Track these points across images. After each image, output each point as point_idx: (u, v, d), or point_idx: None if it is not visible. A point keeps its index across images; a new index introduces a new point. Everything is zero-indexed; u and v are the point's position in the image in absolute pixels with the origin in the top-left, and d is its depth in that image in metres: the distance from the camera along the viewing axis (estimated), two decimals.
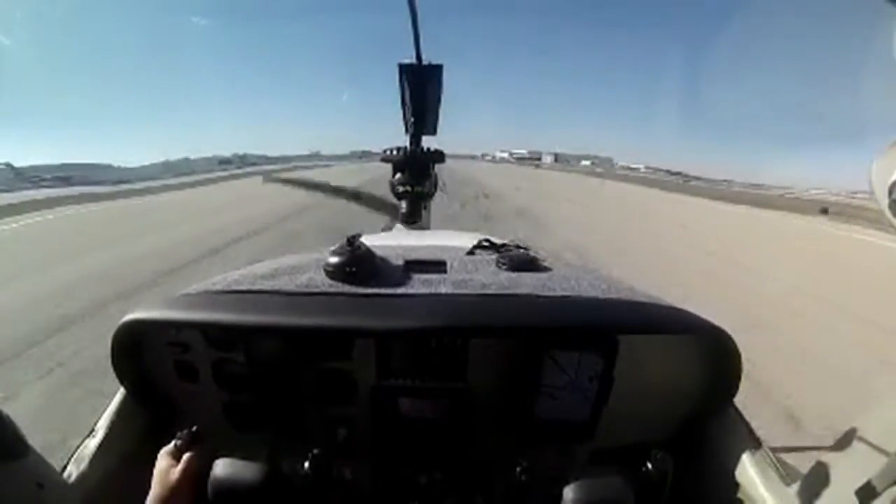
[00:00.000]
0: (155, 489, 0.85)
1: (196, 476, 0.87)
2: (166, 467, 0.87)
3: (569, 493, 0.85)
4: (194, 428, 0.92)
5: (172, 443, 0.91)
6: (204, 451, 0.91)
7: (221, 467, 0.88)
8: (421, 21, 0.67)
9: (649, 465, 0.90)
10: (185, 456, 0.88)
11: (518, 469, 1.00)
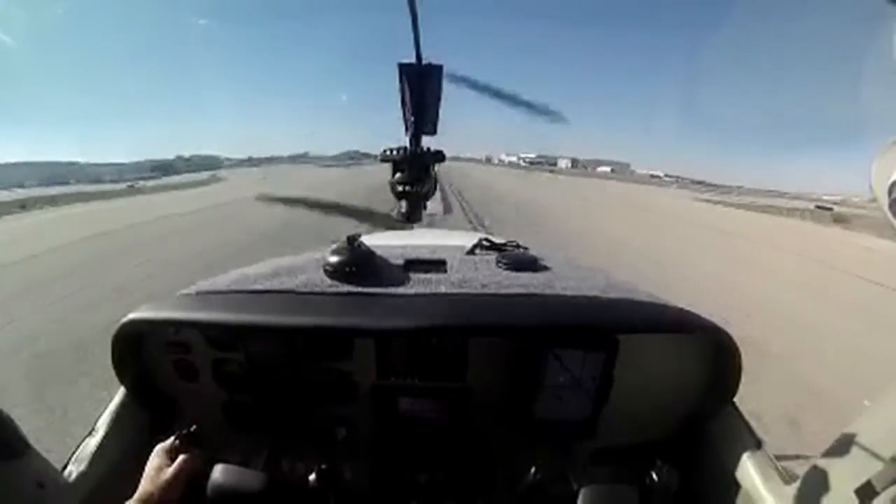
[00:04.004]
0: (145, 485, 0.84)
1: (189, 478, 0.86)
2: (159, 465, 0.86)
3: (574, 500, 0.85)
4: (193, 428, 0.92)
5: (170, 440, 0.90)
6: (200, 453, 0.90)
7: (220, 473, 0.87)
8: (421, 21, 0.67)
9: (654, 477, 0.89)
10: (181, 457, 0.87)
11: (518, 468, 1.00)
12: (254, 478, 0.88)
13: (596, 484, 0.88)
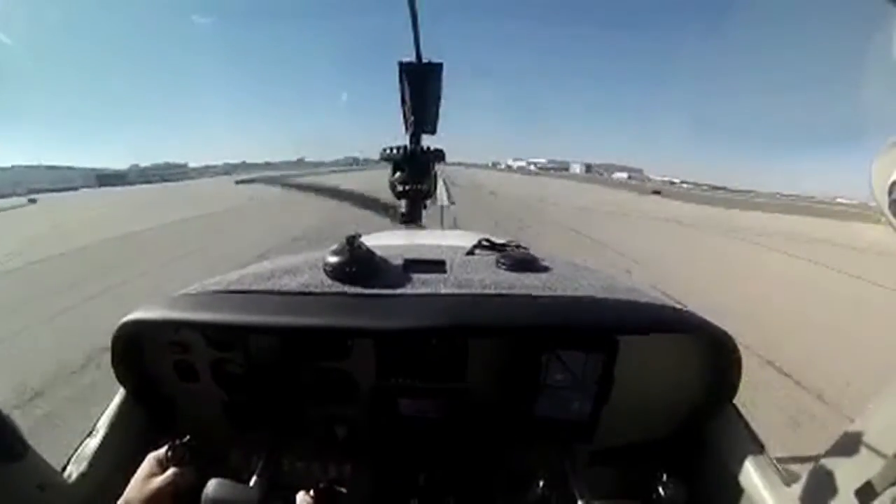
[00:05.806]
0: (130, 491, 0.82)
1: (177, 491, 0.84)
2: (148, 474, 0.84)
3: None
4: (186, 438, 0.90)
5: (164, 449, 0.88)
6: (191, 469, 0.88)
7: (213, 488, 0.86)
8: (421, 19, 0.67)
9: (660, 490, 0.89)
10: (171, 470, 0.85)
11: (518, 469, 1.00)
12: (248, 493, 0.88)
13: (600, 500, 0.88)
